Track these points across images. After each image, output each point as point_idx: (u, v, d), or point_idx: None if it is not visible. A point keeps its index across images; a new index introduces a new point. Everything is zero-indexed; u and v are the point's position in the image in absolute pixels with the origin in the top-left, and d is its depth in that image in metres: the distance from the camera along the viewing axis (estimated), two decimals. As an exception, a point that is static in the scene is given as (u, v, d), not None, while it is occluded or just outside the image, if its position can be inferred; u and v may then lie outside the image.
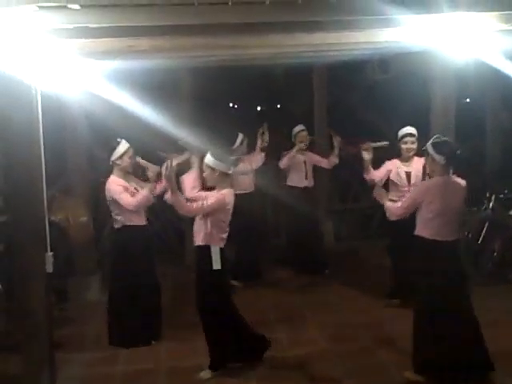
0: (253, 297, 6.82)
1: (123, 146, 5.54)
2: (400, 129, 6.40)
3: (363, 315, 6.19)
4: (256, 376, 4.96)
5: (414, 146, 6.17)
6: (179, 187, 4.92)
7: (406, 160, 6.31)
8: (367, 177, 6.28)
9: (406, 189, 6.09)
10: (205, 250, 4.77)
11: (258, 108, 16.45)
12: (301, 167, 7.65)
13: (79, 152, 7.25)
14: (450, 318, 4.49)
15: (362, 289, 6.97)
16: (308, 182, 7.72)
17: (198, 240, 4.84)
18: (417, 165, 6.20)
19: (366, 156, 6.10)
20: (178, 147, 5.40)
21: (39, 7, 3.65)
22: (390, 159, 6.40)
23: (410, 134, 6.23)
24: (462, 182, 4.69)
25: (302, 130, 7.69)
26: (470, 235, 7.03)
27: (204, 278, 4.83)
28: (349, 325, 5.94)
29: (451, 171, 4.60)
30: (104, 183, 5.58)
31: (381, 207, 5.64)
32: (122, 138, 5.59)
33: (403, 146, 6.26)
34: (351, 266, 8.00)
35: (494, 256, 6.98)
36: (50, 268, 4.56)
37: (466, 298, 4.63)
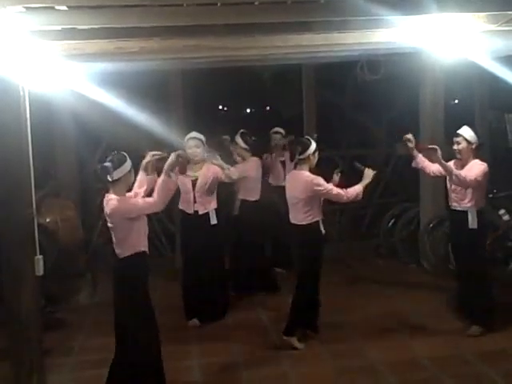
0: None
1: None
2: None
3: (352, 314, 6.19)
4: (247, 374, 4.96)
5: (460, 146, 5.47)
6: None
7: (460, 164, 5.56)
8: (414, 164, 5.85)
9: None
10: None
11: (248, 110, 16.47)
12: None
13: (68, 154, 7.22)
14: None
15: (353, 289, 6.99)
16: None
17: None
18: (471, 167, 5.47)
19: (410, 144, 5.65)
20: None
21: (26, 8, 3.62)
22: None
23: (456, 134, 5.55)
24: (306, 176, 5.28)
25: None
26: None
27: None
28: (337, 325, 5.95)
29: (298, 167, 5.39)
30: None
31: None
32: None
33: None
34: (340, 266, 7.98)
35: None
36: (39, 271, 4.53)
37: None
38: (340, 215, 9.65)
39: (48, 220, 6.73)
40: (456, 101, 12.97)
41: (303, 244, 5.41)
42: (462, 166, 5.50)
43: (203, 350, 5.50)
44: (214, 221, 6.01)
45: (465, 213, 5.45)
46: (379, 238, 8.31)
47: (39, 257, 4.54)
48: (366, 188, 5.38)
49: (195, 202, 5.96)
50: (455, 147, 5.53)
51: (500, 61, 6.19)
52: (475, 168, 5.41)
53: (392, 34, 4.98)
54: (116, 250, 4.40)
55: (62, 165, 7.31)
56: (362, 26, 4.58)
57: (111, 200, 4.26)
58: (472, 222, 5.39)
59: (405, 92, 9.45)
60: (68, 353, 5.54)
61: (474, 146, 5.49)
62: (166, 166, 4.35)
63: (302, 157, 5.34)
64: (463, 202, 5.48)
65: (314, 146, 5.36)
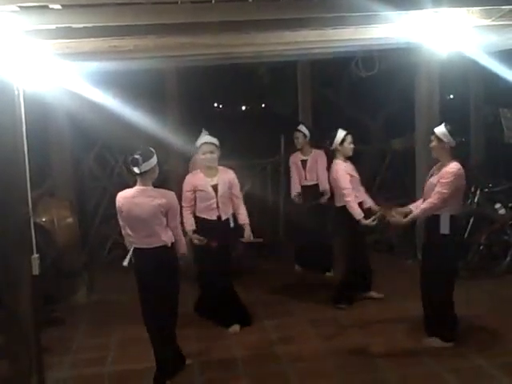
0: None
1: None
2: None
3: (350, 309, 6.21)
4: (246, 372, 4.99)
5: (432, 145, 5.17)
6: None
7: (440, 165, 5.22)
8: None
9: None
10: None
11: (243, 107, 16.45)
12: None
13: (63, 153, 7.20)
14: None
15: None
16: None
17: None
18: (442, 173, 5.10)
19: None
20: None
21: (20, 7, 3.61)
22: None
23: (432, 132, 5.27)
24: (335, 164, 6.17)
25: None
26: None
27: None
28: (336, 320, 5.97)
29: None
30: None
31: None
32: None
33: None
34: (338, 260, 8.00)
35: (481, 250, 7.04)
36: (36, 270, 4.52)
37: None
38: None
39: (44, 219, 6.72)
40: (451, 96, 13.00)
41: (342, 223, 6.21)
42: (441, 169, 5.13)
43: (202, 348, 5.51)
44: (232, 224, 5.90)
45: (437, 216, 5.07)
46: (376, 233, 8.31)
47: (36, 256, 4.54)
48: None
49: (218, 207, 5.79)
50: (430, 145, 5.24)
51: (494, 55, 6.21)
52: (443, 179, 5.00)
53: (386, 29, 4.99)
54: (160, 240, 4.66)
55: (57, 164, 7.28)
56: (357, 22, 4.58)
57: (160, 195, 4.65)
58: (443, 227, 5.04)
59: (400, 88, 9.46)
60: (66, 351, 5.54)
61: (446, 146, 5.05)
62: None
63: (332, 148, 6.20)
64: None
65: (339, 136, 6.13)
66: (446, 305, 5.18)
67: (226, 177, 5.86)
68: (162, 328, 4.79)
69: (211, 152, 5.74)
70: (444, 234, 5.05)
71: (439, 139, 5.10)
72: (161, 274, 4.67)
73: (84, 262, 7.38)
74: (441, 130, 5.11)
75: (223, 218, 5.82)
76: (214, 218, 5.79)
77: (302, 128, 7.53)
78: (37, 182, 6.36)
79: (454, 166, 5.02)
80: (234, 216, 5.93)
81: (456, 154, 5.11)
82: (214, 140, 5.81)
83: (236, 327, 5.86)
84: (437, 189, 5.00)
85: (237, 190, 5.94)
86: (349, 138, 6.17)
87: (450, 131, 5.05)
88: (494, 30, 5.10)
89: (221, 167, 5.90)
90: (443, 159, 5.12)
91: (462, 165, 5.07)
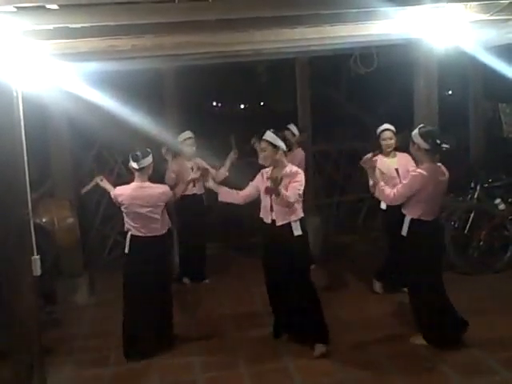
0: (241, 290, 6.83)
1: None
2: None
3: (352, 307, 6.21)
4: (247, 370, 4.98)
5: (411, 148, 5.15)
6: None
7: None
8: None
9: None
10: None
11: (242, 106, 16.46)
12: None
13: (63, 154, 7.19)
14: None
15: (350, 281, 7.01)
16: None
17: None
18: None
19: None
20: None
21: (17, 8, 3.61)
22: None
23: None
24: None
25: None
26: (456, 225, 7.06)
27: None
28: (339, 318, 5.96)
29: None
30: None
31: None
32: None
33: None
34: (339, 259, 8.01)
35: (481, 245, 7.04)
36: (37, 271, 4.52)
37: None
38: (337, 208, 9.70)
39: (45, 220, 6.71)
40: (450, 91, 13.00)
41: None
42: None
43: (203, 347, 5.51)
44: (297, 232, 5.17)
45: (404, 217, 5.11)
46: (377, 230, 8.31)
47: (36, 257, 4.53)
48: None
49: (272, 210, 5.20)
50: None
51: (493, 50, 6.20)
52: (404, 180, 5.22)
53: (384, 25, 4.99)
54: (158, 229, 5.29)
55: (56, 164, 7.27)
56: (355, 18, 4.58)
57: (157, 188, 5.31)
58: (404, 229, 5.09)
59: (399, 84, 9.45)
60: (67, 352, 5.54)
61: (420, 148, 4.95)
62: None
63: None
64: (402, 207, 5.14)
65: (377, 133, 6.36)
66: (427, 305, 5.15)
67: (287, 178, 5.13)
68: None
69: (262, 150, 5.23)
70: (402, 235, 5.11)
71: (412, 141, 5.03)
72: (153, 260, 5.24)
73: (84, 263, 7.37)
74: (414, 131, 5.03)
75: (279, 222, 5.17)
76: (269, 221, 5.23)
77: (292, 127, 7.52)
78: (37, 183, 6.36)
79: (417, 170, 5.00)
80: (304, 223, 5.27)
81: (439, 157, 4.99)
82: (270, 136, 5.18)
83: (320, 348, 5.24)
84: (398, 186, 5.12)
85: (289, 192, 5.05)
86: (383, 135, 6.32)
87: (422, 134, 4.95)
88: (493, 24, 5.10)
89: (290, 167, 5.24)
90: (420, 161, 5.07)
91: (438, 169, 4.97)
